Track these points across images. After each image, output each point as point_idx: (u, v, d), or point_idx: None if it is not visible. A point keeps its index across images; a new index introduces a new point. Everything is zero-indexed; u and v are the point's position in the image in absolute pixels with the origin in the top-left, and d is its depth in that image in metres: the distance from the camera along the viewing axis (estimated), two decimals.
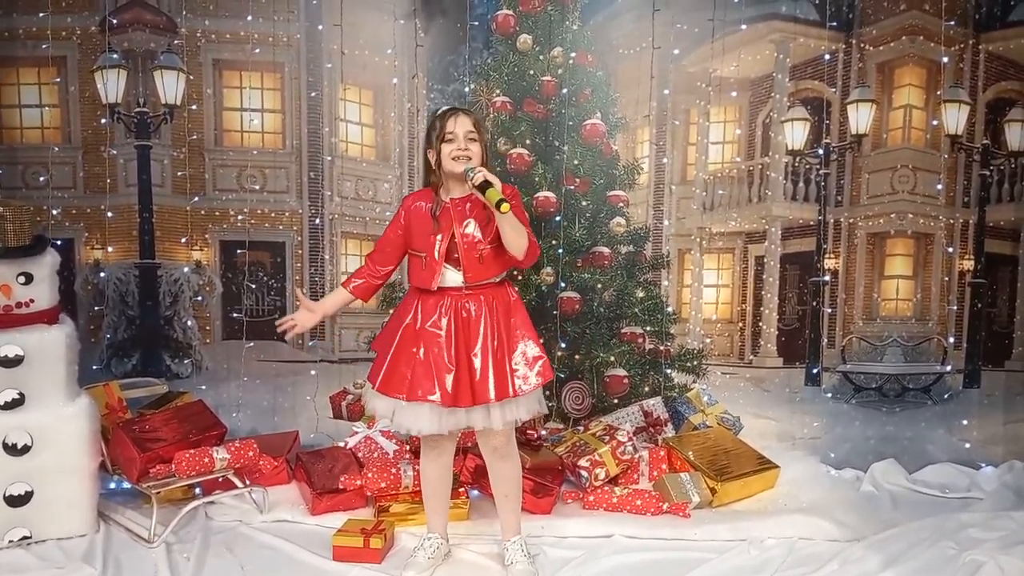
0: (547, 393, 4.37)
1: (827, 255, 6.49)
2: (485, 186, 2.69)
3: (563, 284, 4.69)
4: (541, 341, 2.97)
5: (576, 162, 4.79)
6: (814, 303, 6.39)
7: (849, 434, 5.31)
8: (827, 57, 6.40)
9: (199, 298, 6.12)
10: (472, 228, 2.84)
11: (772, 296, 6.75)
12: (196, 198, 6.11)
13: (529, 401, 2.91)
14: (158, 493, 3.45)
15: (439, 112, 2.90)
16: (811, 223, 6.62)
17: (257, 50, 6.06)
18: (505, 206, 2.64)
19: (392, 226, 2.97)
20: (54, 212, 5.68)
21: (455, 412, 2.83)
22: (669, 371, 4.99)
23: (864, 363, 6.27)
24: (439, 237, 2.84)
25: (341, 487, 3.67)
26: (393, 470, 3.65)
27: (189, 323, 6.05)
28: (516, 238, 2.78)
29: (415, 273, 2.92)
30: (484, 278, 2.87)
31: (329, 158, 6.46)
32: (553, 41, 4.94)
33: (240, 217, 6.15)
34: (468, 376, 2.82)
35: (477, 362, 2.83)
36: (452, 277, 2.87)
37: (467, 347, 2.84)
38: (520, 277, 4.61)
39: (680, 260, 7.07)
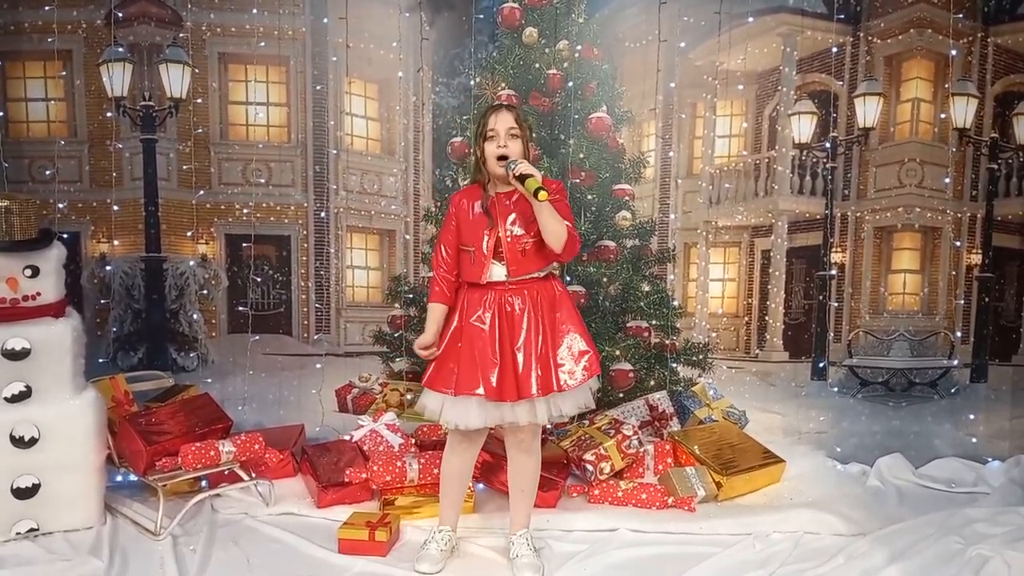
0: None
1: (834, 249, 6.46)
2: (525, 176, 2.72)
3: (568, 278, 4.68)
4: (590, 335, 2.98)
5: (582, 155, 4.78)
6: (820, 297, 6.37)
7: (855, 428, 5.30)
8: (834, 50, 6.36)
9: (205, 292, 6.13)
10: (516, 222, 2.88)
11: (778, 290, 6.73)
12: (202, 192, 6.12)
13: (576, 396, 2.93)
14: (164, 486, 3.47)
15: (485, 108, 2.97)
16: (818, 217, 6.59)
17: (262, 44, 6.05)
18: (543, 194, 2.68)
19: (445, 227, 3.03)
20: (60, 206, 5.69)
21: (500, 407, 2.85)
22: (675, 365, 4.99)
23: (870, 357, 6.25)
24: (487, 231, 2.88)
25: (347, 480, 3.68)
26: (398, 463, 3.66)
27: (195, 316, 6.06)
28: (554, 227, 2.79)
29: (465, 267, 2.96)
30: (527, 272, 2.90)
31: (334, 152, 6.45)
32: (559, 34, 4.93)
33: (246, 211, 6.15)
34: (512, 370, 2.84)
35: (520, 356, 2.85)
36: (498, 271, 2.90)
37: (511, 341, 2.86)
38: None
39: (686, 254, 7.05)
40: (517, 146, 2.88)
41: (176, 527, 3.39)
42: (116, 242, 5.98)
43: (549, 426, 4.24)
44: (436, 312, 3.01)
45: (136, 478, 3.71)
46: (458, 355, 2.89)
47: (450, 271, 3.00)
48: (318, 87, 6.44)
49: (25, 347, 3.27)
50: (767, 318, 6.78)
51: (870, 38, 6.47)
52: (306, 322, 6.42)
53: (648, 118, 6.62)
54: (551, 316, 2.91)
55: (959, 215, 6.29)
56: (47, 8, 5.67)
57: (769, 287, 6.78)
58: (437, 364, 2.93)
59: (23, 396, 3.30)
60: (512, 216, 2.88)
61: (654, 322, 4.93)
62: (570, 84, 4.88)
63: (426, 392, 2.98)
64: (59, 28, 5.69)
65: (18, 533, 3.27)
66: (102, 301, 5.96)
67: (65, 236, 3.89)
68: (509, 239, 2.87)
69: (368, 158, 6.73)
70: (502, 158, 2.85)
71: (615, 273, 4.81)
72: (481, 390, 2.82)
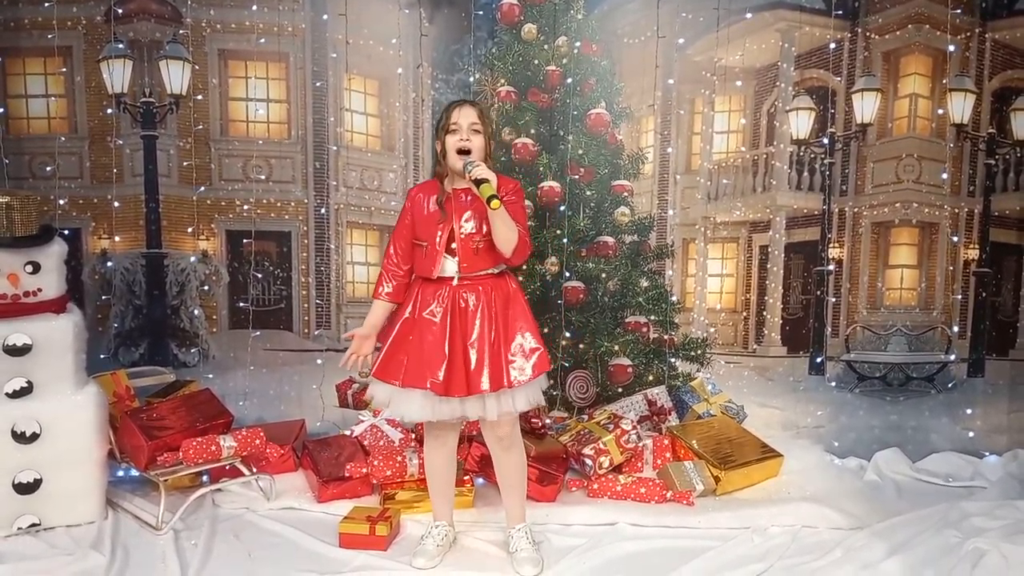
0: (551, 382, 4.40)
1: (831, 244, 6.47)
2: (481, 181, 2.72)
3: (567, 273, 4.70)
4: (544, 331, 2.99)
5: (580, 152, 4.79)
6: (818, 292, 6.38)
7: (853, 423, 5.31)
8: (832, 46, 6.35)
9: (206, 288, 6.13)
10: (470, 219, 2.88)
11: (776, 285, 6.73)
12: (202, 188, 6.12)
13: (527, 392, 2.92)
14: (166, 481, 3.48)
15: (448, 104, 2.96)
16: (816, 212, 6.60)
17: (262, 40, 6.05)
18: (495, 203, 2.68)
19: (400, 220, 3.02)
20: (61, 202, 5.70)
21: (449, 401, 2.85)
22: (673, 360, 5.00)
23: (868, 352, 6.26)
24: (441, 226, 2.88)
25: (347, 475, 3.70)
26: (399, 458, 3.67)
27: (196, 312, 6.07)
28: (505, 234, 2.80)
29: (418, 262, 2.96)
30: (479, 269, 2.90)
31: (334, 148, 6.45)
32: (558, 30, 4.94)
33: (246, 207, 6.16)
34: (463, 365, 2.83)
35: (473, 352, 2.85)
36: (451, 266, 2.90)
37: (463, 337, 2.86)
38: (524, 267, 4.62)
39: (684, 249, 7.05)
40: (479, 141, 2.89)
41: (177, 522, 3.41)
42: (117, 238, 5.98)
43: (548, 420, 4.26)
44: (377, 308, 3.02)
45: (137, 473, 3.72)
46: (407, 347, 2.89)
47: (400, 267, 3.00)
48: (318, 83, 6.43)
49: (26, 343, 3.29)
50: (765, 313, 6.79)
51: (868, 34, 6.47)
52: (307, 318, 6.42)
53: (647, 114, 6.62)
54: (504, 313, 2.91)
55: (956, 210, 6.29)
56: (47, 4, 5.67)
57: (767, 282, 6.79)
58: (387, 354, 2.93)
59: (25, 392, 3.31)
60: (467, 213, 2.89)
61: (653, 317, 4.94)
62: (569, 80, 4.88)
63: (374, 381, 2.98)
64: (59, 24, 5.68)
65: (20, 528, 3.29)
66: (103, 297, 5.96)
67: (66, 232, 3.90)
68: (462, 236, 2.88)
69: (368, 154, 6.73)
70: (463, 152, 2.85)
71: (614, 269, 4.82)
72: (428, 384, 2.83)
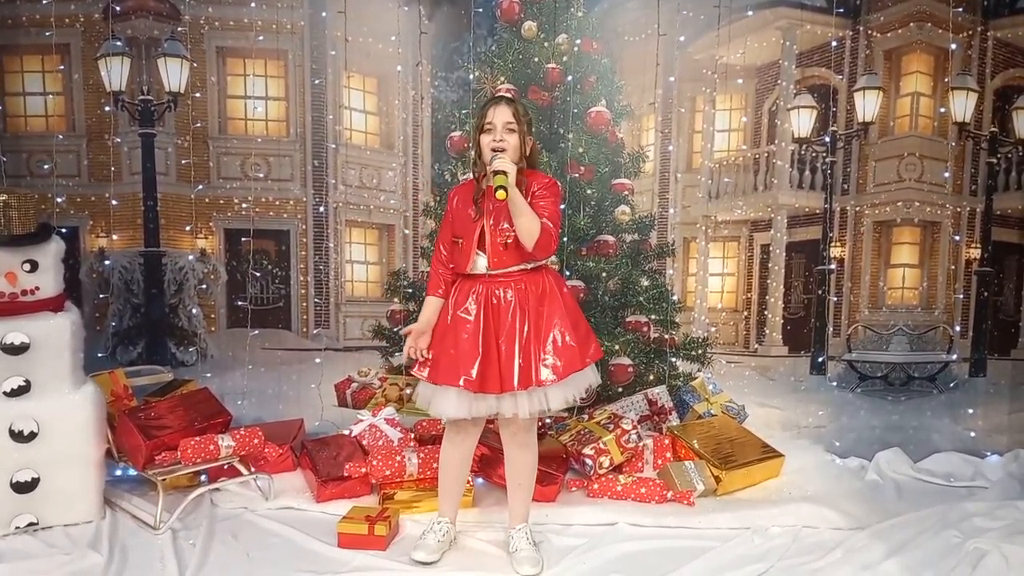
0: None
1: (833, 243, 6.46)
2: (498, 172, 2.74)
3: (568, 272, 4.68)
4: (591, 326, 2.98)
5: (581, 150, 4.77)
6: (820, 292, 6.37)
7: (854, 423, 5.30)
8: (834, 44, 6.35)
9: (204, 286, 6.12)
10: (500, 215, 2.88)
11: (777, 285, 6.73)
12: (200, 186, 6.11)
13: (563, 390, 2.90)
14: (164, 480, 3.47)
15: (485, 101, 2.99)
16: (817, 211, 6.59)
17: (261, 37, 6.04)
18: (501, 193, 2.70)
19: (444, 223, 3.06)
20: (59, 200, 5.69)
21: (484, 398, 2.85)
22: (674, 360, 4.99)
23: (869, 352, 6.25)
24: (476, 223, 2.91)
25: (346, 475, 3.68)
26: (398, 458, 3.66)
27: (194, 311, 6.06)
28: (525, 225, 2.79)
29: (454, 258, 2.98)
30: (508, 265, 2.90)
31: (333, 146, 6.45)
32: (558, 28, 4.93)
33: (244, 205, 6.15)
34: (496, 362, 2.83)
35: (504, 348, 2.84)
36: (482, 263, 2.91)
37: (496, 333, 2.86)
38: None
39: (685, 248, 7.05)
40: (514, 140, 2.88)
41: (175, 521, 3.39)
42: (115, 236, 5.97)
43: (548, 419, 4.25)
44: (430, 304, 3.03)
45: (135, 472, 3.71)
46: (445, 345, 2.90)
47: (447, 265, 3.02)
48: (317, 81, 6.43)
49: (24, 341, 3.27)
50: (766, 313, 6.78)
51: (870, 32, 6.46)
52: (305, 317, 6.42)
53: (647, 112, 6.62)
54: (538, 309, 2.89)
55: (958, 209, 6.29)
56: (45, 2, 5.66)
57: (768, 281, 6.78)
58: (433, 355, 2.94)
59: (22, 390, 3.30)
60: (498, 209, 2.88)
61: (653, 317, 4.93)
62: (569, 78, 4.86)
63: (421, 382, 3.00)
64: (57, 22, 5.67)
65: (17, 527, 3.27)
66: (101, 296, 5.95)
67: (64, 231, 3.88)
68: (492, 232, 2.88)
69: (367, 152, 6.72)
70: (496, 151, 2.85)
71: (614, 268, 4.80)
72: (461, 381, 2.82)
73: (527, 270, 2.92)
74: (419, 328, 3.01)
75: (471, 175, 3.10)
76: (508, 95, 3.00)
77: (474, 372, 2.81)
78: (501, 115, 2.88)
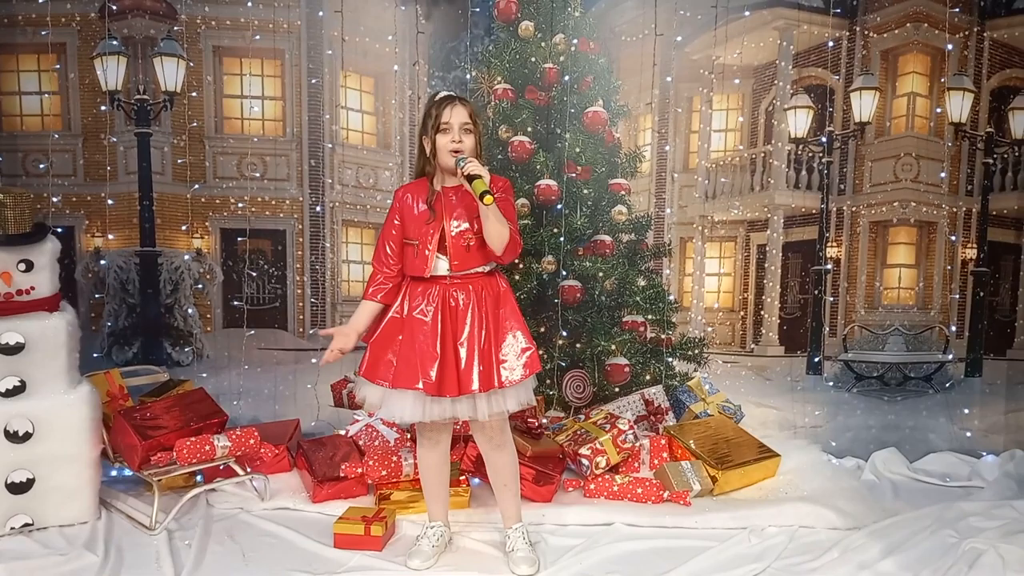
0: (547, 382, 4.38)
1: (829, 244, 6.46)
2: (473, 177, 2.69)
3: (564, 272, 4.68)
4: (540, 331, 2.97)
5: (578, 150, 4.77)
6: (816, 292, 6.37)
7: (850, 423, 5.31)
8: (831, 44, 6.35)
9: (200, 286, 6.11)
10: (461, 217, 2.85)
11: (774, 285, 6.73)
12: (196, 186, 6.09)
13: (518, 392, 2.90)
14: (159, 481, 3.46)
15: (436, 98, 2.89)
16: (813, 211, 6.59)
17: (257, 37, 6.03)
18: (488, 198, 2.65)
19: (388, 221, 2.98)
20: (54, 200, 5.67)
21: (440, 401, 2.83)
22: (670, 360, 4.99)
23: (866, 352, 6.25)
24: (432, 226, 2.85)
25: (342, 475, 3.68)
26: (394, 458, 3.66)
27: (190, 311, 6.04)
28: (497, 230, 2.77)
29: (409, 261, 2.92)
30: (470, 267, 2.87)
31: (330, 146, 6.43)
32: (555, 28, 4.92)
33: (241, 205, 6.13)
34: (454, 365, 2.81)
35: (463, 351, 2.82)
36: (442, 265, 2.88)
37: (454, 336, 2.84)
38: (521, 265, 4.60)
39: (682, 248, 7.05)
40: (471, 141, 2.84)
41: (171, 522, 3.39)
42: (110, 236, 5.95)
43: (545, 420, 4.25)
44: (365, 309, 2.95)
45: (131, 473, 3.70)
46: (397, 347, 2.86)
47: (392, 268, 2.95)
48: (313, 81, 6.41)
49: (19, 341, 3.27)
50: (763, 313, 6.79)
51: (866, 32, 6.46)
52: (301, 317, 6.40)
53: (644, 112, 6.61)
54: (495, 312, 2.89)
55: (954, 210, 6.29)
56: (41, 1, 5.64)
57: (765, 282, 6.78)
58: (374, 354, 2.90)
59: (17, 391, 3.29)
60: (457, 211, 2.85)
61: (650, 317, 4.93)
62: (566, 78, 4.86)
63: (364, 383, 2.94)
64: (53, 21, 5.66)
65: (12, 528, 3.27)
66: (96, 295, 5.93)
67: (59, 230, 3.88)
68: (453, 234, 2.85)
69: (364, 152, 6.71)
70: (455, 153, 2.82)
71: (611, 268, 4.80)
72: (420, 384, 2.80)
73: (482, 273, 2.90)
74: (346, 330, 2.94)
75: (416, 174, 3.02)
76: (457, 94, 2.94)
77: (433, 375, 2.79)
78: (458, 115, 2.84)
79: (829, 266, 6.43)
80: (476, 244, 2.85)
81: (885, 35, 6.39)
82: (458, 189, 2.87)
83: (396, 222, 2.94)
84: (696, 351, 5.08)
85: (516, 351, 2.88)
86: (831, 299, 6.42)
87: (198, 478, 3.83)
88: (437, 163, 2.89)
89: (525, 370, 2.87)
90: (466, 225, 2.84)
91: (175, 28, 5.96)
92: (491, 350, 2.84)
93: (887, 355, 6.14)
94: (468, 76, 5.36)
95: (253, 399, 5.25)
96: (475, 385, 2.81)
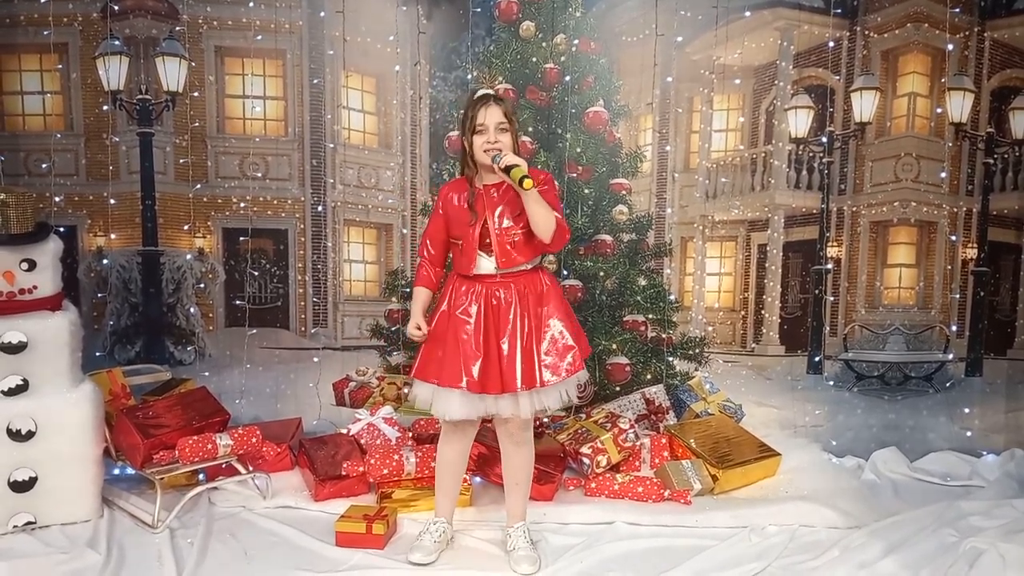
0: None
1: (830, 243, 6.47)
2: (511, 166, 2.71)
3: (565, 272, 4.69)
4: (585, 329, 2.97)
5: (579, 150, 4.77)
6: (816, 291, 6.38)
7: (851, 422, 5.31)
8: (831, 45, 6.36)
9: (202, 285, 6.12)
10: (504, 214, 2.86)
11: (774, 284, 6.74)
12: (198, 185, 6.11)
13: (560, 391, 2.91)
14: (162, 479, 3.46)
15: (473, 98, 2.91)
16: (814, 211, 6.60)
17: (259, 37, 6.04)
18: (528, 182, 2.66)
19: (433, 219, 3.01)
20: (57, 199, 5.69)
21: (484, 398, 2.84)
22: (671, 359, 4.99)
23: (866, 351, 6.26)
24: (472, 225, 2.87)
25: (344, 473, 3.68)
26: (396, 457, 3.66)
27: (192, 310, 6.06)
28: (543, 216, 2.77)
29: (455, 259, 2.96)
30: (515, 264, 2.88)
31: (331, 145, 6.45)
32: (556, 28, 4.93)
33: (242, 204, 6.15)
34: (497, 363, 2.83)
35: (505, 349, 2.84)
36: (486, 264, 2.89)
37: (497, 334, 2.85)
38: None
39: (683, 248, 7.06)
40: (507, 139, 2.85)
41: (173, 520, 3.39)
42: (113, 236, 5.97)
43: (546, 419, 4.25)
44: (420, 295, 3.01)
45: (133, 471, 3.70)
46: (444, 346, 2.89)
47: (434, 262, 3.00)
48: (315, 81, 6.43)
49: (22, 340, 3.27)
50: (763, 312, 6.80)
51: (867, 32, 6.48)
52: (303, 316, 6.42)
53: (645, 112, 6.63)
54: (537, 310, 2.89)
55: (955, 210, 6.30)
56: (43, 1, 5.65)
57: (765, 281, 6.79)
58: (425, 353, 2.93)
59: (20, 389, 3.29)
60: (500, 208, 2.86)
61: (651, 316, 4.93)
62: (567, 78, 4.87)
63: (417, 382, 2.97)
64: (55, 21, 5.67)
65: (15, 526, 3.27)
66: (99, 295, 5.95)
67: (62, 230, 3.88)
68: (497, 231, 2.86)
69: (365, 152, 6.73)
70: (496, 155, 2.83)
71: (612, 267, 4.81)
72: (464, 383, 2.82)
73: (526, 270, 2.92)
74: (418, 321, 2.97)
75: (460, 175, 3.04)
76: (492, 92, 2.95)
77: (475, 373, 2.81)
78: (493, 116, 2.84)
79: (829, 266, 6.43)
80: (521, 240, 2.86)
81: (885, 35, 6.40)
82: (499, 185, 2.88)
83: (440, 219, 2.97)
84: (697, 350, 5.09)
85: (559, 350, 2.88)
86: (831, 299, 6.43)
87: (200, 477, 3.83)
88: (475, 163, 2.91)
89: (567, 370, 2.88)
90: (510, 222, 2.85)
91: (177, 28, 5.97)
92: (532, 348, 2.85)
93: (887, 354, 6.15)
94: (469, 76, 5.37)
95: (255, 398, 5.26)
96: (518, 383, 2.82)
